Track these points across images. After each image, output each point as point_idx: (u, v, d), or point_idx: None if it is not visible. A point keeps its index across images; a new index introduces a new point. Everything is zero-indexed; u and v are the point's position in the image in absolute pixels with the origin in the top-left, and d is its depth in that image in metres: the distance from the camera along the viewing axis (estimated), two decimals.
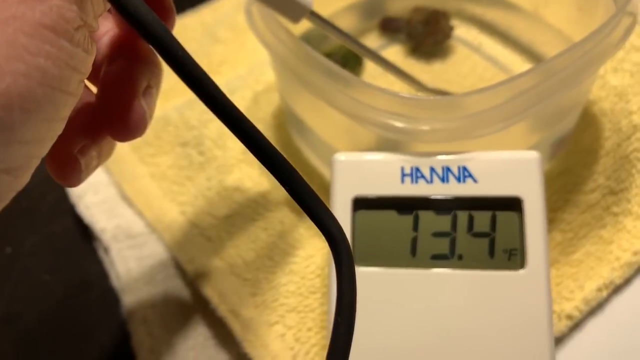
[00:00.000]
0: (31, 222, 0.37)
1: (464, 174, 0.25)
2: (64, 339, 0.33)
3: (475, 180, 0.25)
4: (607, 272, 0.30)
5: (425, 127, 0.25)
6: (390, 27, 0.42)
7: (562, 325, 0.29)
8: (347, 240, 0.18)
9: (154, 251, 0.34)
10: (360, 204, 0.26)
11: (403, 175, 0.26)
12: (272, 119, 0.39)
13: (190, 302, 0.33)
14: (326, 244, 0.18)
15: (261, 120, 0.39)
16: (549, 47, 0.38)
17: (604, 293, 0.29)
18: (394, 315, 0.24)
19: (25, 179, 0.16)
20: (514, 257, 0.24)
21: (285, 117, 0.38)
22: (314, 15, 0.28)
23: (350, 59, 0.39)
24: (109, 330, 0.32)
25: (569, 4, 0.35)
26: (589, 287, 0.29)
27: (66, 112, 0.16)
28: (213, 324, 0.31)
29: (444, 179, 0.25)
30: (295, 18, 0.27)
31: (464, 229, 0.25)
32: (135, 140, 0.22)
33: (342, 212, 0.26)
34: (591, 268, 0.30)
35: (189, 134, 0.39)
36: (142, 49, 0.21)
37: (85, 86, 0.21)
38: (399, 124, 0.25)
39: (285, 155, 0.17)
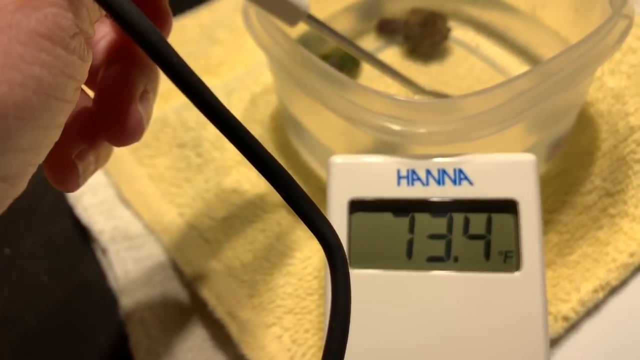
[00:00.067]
0: (30, 223, 0.38)
1: (460, 177, 0.25)
2: (62, 339, 0.33)
3: (471, 183, 0.25)
4: (603, 273, 0.30)
5: (422, 130, 0.25)
6: (387, 29, 0.43)
7: (559, 326, 0.29)
8: (342, 247, 0.18)
9: (152, 253, 0.35)
10: (357, 206, 0.26)
11: (399, 177, 0.26)
12: (270, 120, 0.39)
13: (187, 304, 0.33)
14: None
15: (259, 122, 0.39)
16: (546, 49, 0.38)
17: (600, 294, 0.29)
18: (390, 317, 0.25)
19: (22, 186, 0.16)
20: (510, 260, 0.25)
21: (283, 119, 0.38)
22: (311, 19, 0.28)
23: (347, 61, 0.39)
24: (107, 331, 0.33)
25: (565, 6, 0.35)
26: (586, 288, 0.29)
27: (62, 119, 0.16)
28: (210, 326, 0.31)
29: (440, 182, 0.25)
30: (292, 21, 0.27)
31: (460, 231, 0.25)
32: None
33: (338, 215, 0.26)
34: (587, 269, 0.30)
35: (187, 136, 0.39)
36: (138, 54, 0.21)
37: (83, 91, 0.21)
38: (395, 127, 0.25)
39: (282, 157, 0.17)
